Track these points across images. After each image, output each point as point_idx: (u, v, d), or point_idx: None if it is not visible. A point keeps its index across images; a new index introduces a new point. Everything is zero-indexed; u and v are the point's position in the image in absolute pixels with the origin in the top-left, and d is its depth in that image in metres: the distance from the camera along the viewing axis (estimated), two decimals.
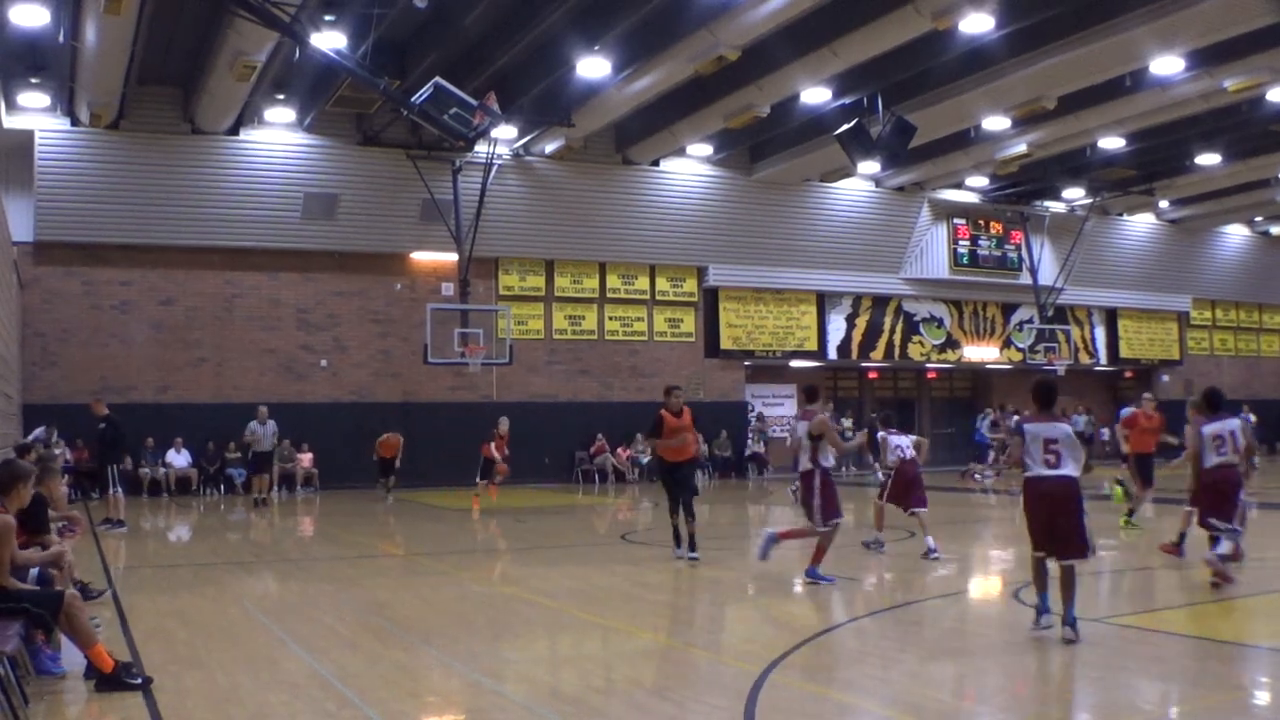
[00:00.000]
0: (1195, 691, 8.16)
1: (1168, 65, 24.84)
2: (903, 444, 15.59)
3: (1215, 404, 12.54)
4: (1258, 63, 24.73)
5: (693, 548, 14.32)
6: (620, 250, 34.11)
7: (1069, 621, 8.79)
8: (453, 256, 30.93)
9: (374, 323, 31.73)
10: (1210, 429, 12.19)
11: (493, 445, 24.36)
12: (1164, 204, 40.98)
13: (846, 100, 27.01)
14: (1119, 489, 19.31)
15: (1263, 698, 8.13)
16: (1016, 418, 13.30)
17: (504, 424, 24.21)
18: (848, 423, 38.21)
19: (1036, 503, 9.28)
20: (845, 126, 25.88)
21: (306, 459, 30.07)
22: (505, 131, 28.59)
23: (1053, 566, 9.41)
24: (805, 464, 12.79)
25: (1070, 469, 9.15)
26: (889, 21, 22.20)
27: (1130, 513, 18.11)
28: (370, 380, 31.50)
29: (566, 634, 10.86)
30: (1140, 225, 43.31)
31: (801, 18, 22.38)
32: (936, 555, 14.54)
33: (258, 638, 10.50)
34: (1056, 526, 9.14)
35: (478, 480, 24.49)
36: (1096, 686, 8.28)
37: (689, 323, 35.65)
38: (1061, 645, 9.39)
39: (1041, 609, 9.36)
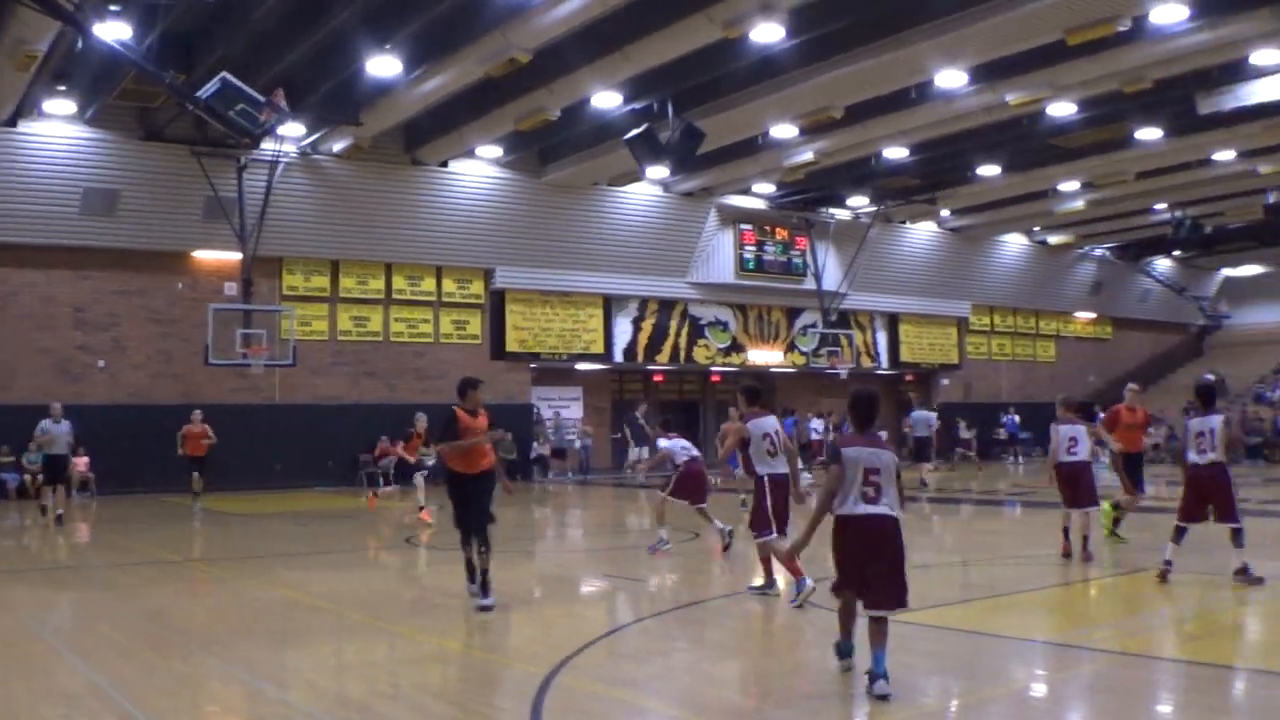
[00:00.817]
0: (973, 685, 9.10)
1: (952, 79, 27.85)
2: (685, 446, 18.28)
3: (1208, 400, 13.90)
4: (1038, 79, 27.98)
5: (485, 590, 12.65)
6: (407, 251, 36.77)
7: (880, 674, 8.34)
8: (236, 255, 32.66)
9: (154, 323, 33.54)
10: (1194, 424, 13.58)
11: (400, 446, 25.54)
12: (945, 213, 45.84)
13: (637, 105, 29.17)
14: (1105, 502, 17.55)
15: (1039, 690, 9.20)
16: (833, 437, 14.44)
17: (421, 421, 24.12)
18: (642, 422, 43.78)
19: (853, 544, 8.63)
20: (635, 131, 28.13)
21: (82, 463, 31.17)
22: (293, 129, 30.62)
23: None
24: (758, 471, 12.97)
25: (891, 504, 8.61)
26: (681, 28, 24.07)
27: (1116, 522, 17.91)
28: (149, 382, 33.24)
29: (351, 639, 11.47)
30: (922, 233, 48.44)
31: (594, 22, 24.19)
32: (728, 540, 17.08)
33: (32, 647, 10.93)
34: (873, 573, 8.56)
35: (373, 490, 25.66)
36: None
37: (475, 325, 38.72)
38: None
39: (845, 650, 9.11)
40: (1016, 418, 48.88)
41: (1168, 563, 13.62)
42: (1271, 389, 53.79)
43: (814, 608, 12.00)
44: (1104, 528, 17.79)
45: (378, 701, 8.72)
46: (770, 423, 13.21)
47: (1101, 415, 18.76)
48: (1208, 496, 13.50)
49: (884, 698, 8.28)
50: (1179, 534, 13.73)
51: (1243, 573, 13.29)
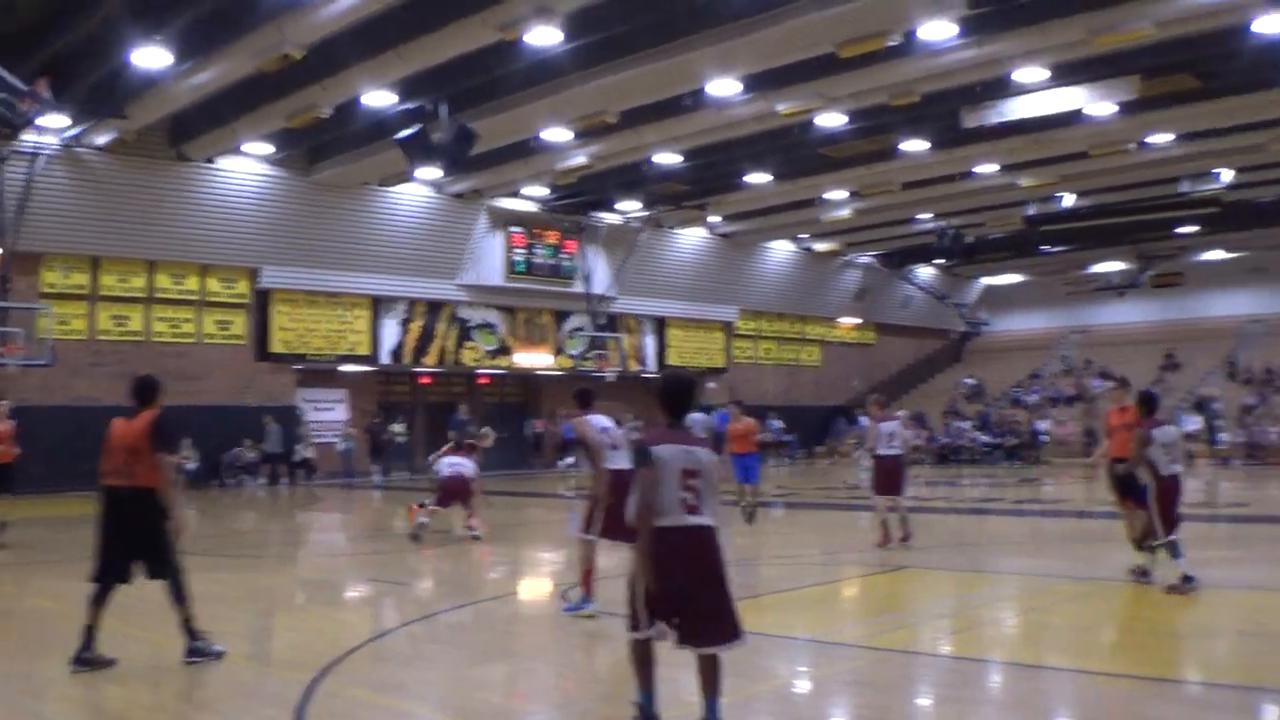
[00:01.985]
0: (738, 682, 8.72)
1: (725, 87, 28.46)
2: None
3: (1152, 407, 13.82)
4: (809, 89, 28.64)
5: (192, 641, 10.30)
6: (171, 249, 36.10)
7: None
8: None
9: None
10: (1160, 434, 13.37)
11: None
12: (715, 219, 46.74)
13: (410, 105, 29.02)
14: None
15: (803, 686, 9.59)
16: (636, 434, 13.08)
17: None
18: (399, 428, 42.77)
19: (669, 564, 7.29)
20: (407, 131, 28.24)
21: None
22: (56, 120, 29.78)
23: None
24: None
25: (713, 513, 7.52)
26: (457, 29, 24.09)
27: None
28: None
29: (109, 648, 10.45)
30: (692, 238, 49.42)
31: (370, 20, 23.98)
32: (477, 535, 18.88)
33: None
34: (698, 598, 7.35)
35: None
36: None
37: (239, 325, 38.26)
38: (612, 641, 10.30)
39: (648, 709, 7.57)
40: (779, 422, 50.22)
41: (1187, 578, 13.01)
42: (1027, 393, 56.32)
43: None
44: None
45: (137, 712, 8.75)
46: (604, 420, 12.85)
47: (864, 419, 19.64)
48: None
49: None
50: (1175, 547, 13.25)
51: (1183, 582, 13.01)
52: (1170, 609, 12.48)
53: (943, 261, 59.62)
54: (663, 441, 7.59)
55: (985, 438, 49.53)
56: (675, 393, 7.91)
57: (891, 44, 25.14)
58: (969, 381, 60.17)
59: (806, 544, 19.32)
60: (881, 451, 18.22)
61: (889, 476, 18.18)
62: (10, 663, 10.27)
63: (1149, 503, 13.31)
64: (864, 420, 31.94)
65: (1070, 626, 12.01)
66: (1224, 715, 8.57)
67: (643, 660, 7.56)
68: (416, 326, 42.98)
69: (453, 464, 20.24)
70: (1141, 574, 13.57)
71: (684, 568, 7.36)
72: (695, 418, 33.62)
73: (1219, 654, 10.84)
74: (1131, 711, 8.65)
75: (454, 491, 20.21)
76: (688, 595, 7.36)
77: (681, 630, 7.34)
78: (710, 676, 7.44)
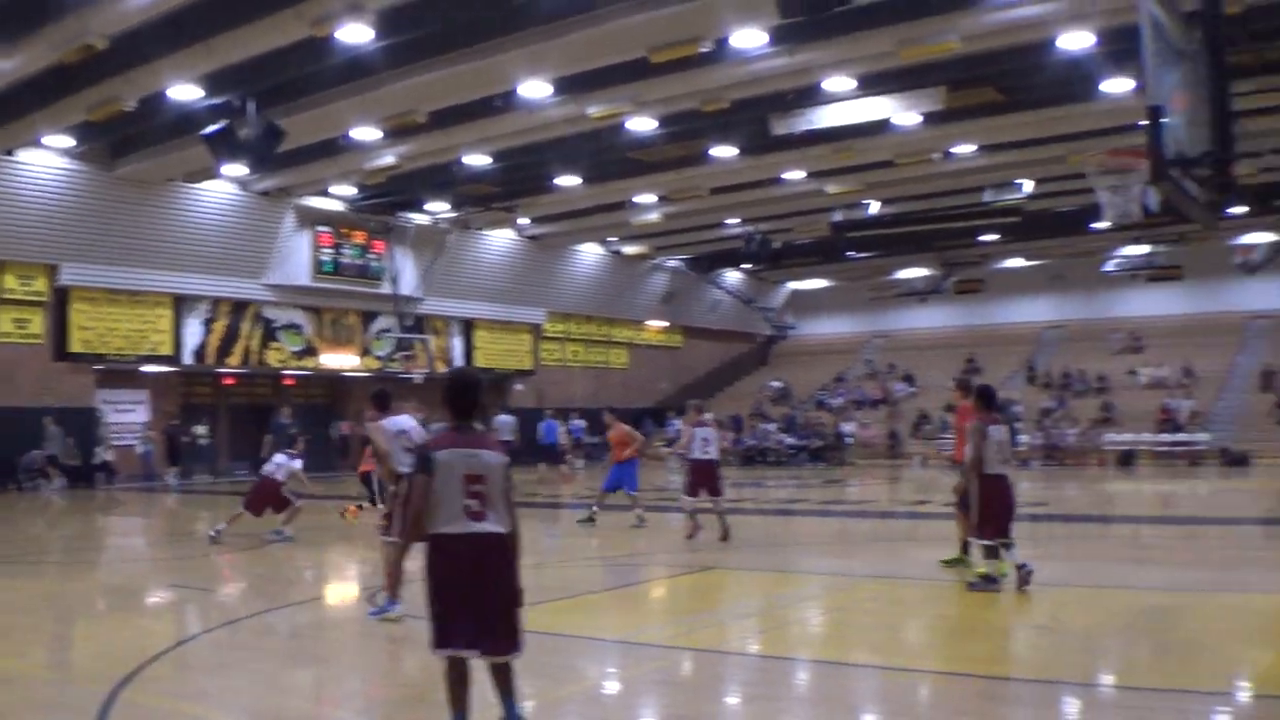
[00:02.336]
0: (547, 685, 9.12)
1: (536, 89, 28.51)
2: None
3: (990, 402, 13.76)
4: (621, 93, 28.81)
5: None
6: None
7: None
8: None
9: None
10: (994, 431, 13.32)
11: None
12: (524, 221, 46.77)
13: (218, 100, 28.35)
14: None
15: (612, 687, 9.67)
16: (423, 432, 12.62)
17: None
18: (201, 430, 42.28)
19: (454, 574, 7.20)
20: (214, 127, 27.81)
21: None
22: None
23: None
24: None
25: (500, 519, 7.31)
26: (267, 24, 23.66)
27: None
28: None
29: None
30: (501, 240, 49.42)
31: (177, 11, 23.51)
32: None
33: None
34: (482, 607, 7.23)
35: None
36: None
37: (37, 324, 37.32)
38: (415, 645, 10.00)
39: None
40: (582, 423, 50.31)
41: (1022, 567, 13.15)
42: (832, 396, 57.37)
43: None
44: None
45: None
46: (405, 421, 12.96)
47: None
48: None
49: None
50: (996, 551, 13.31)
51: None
52: (972, 606, 12.87)
53: (750, 266, 60.29)
54: (446, 445, 7.36)
55: (791, 440, 50.29)
56: (461, 392, 7.56)
57: (703, 50, 25.40)
58: (775, 384, 61.07)
59: (615, 545, 19.40)
60: (696, 455, 18.97)
61: (704, 479, 18.97)
62: None
63: (970, 502, 13.49)
64: (676, 424, 32.26)
65: (874, 624, 12.34)
66: (1022, 709, 8.94)
67: (453, 681, 7.35)
68: (220, 326, 42.29)
69: (279, 464, 20.50)
70: (989, 580, 13.37)
71: (469, 575, 7.20)
72: (503, 419, 33.83)
73: (1018, 649, 11.24)
74: (934, 705, 8.93)
75: (265, 495, 20.36)
76: (474, 603, 7.20)
77: (470, 638, 7.20)
78: (505, 682, 7.43)
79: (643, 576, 16.31)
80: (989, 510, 13.22)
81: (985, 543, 13.25)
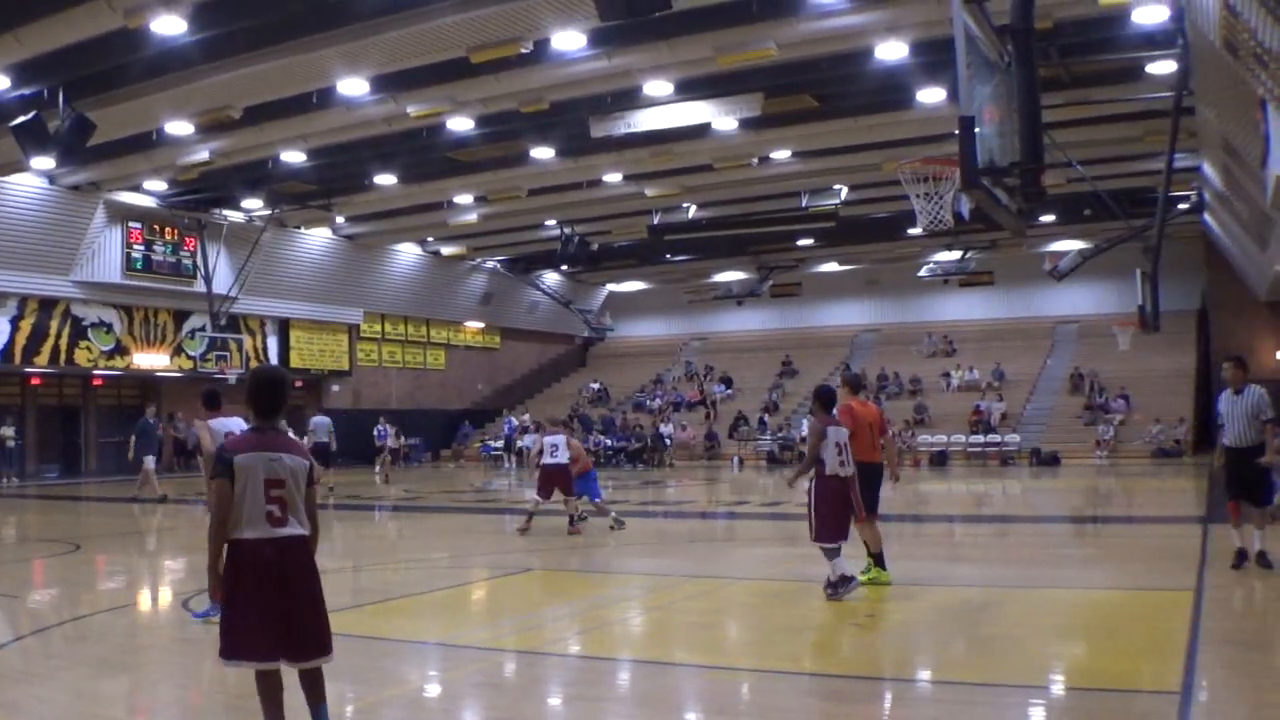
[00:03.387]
0: (365, 689, 9.19)
1: (354, 87, 28.36)
2: None
3: (828, 404, 13.62)
4: (440, 93, 28.92)
5: None
6: None
7: None
8: None
9: None
10: (834, 432, 13.23)
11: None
12: (341, 220, 46.50)
13: (26, 91, 27.76)
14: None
15: (433, 690, 9.61)
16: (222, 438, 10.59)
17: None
18: (8, 431, 41.99)
19: (256, 580, 6.92)
20: (22, 118, 27.06)
21: None
22: None
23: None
24: None
25: (300, 521, 7.07)
26: (79, 13, 23.28)
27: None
28: None
29: None
30: (317, 239, 49.17)
31: None
32: None
33: None
34: (288, 613, 6.97)
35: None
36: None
37: None
38: None
39: None
40: (389, 427, 49.85)
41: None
42: (651, 398, 57.73)
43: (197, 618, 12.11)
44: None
45: None
46: (234, 422, 12.69)
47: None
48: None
49: None
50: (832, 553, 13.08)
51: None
52: (791, 605, 13.06)
53: (568, 268, 60.53)
54: (247, 448, 7.05)
55: (609, 441, 50.51)
56: (263, 390, 7.28)
57: (523, 51, 25.50)
58: (593, 386, 61.33)
59: (434, 547, 19.51)
60: (547, 461, 20.47)
61: (551, 481, 20.63)
62: None
63: (809, 503, 13.33)
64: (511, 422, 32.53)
65: (695, 624, 12.42)
66: (843, 705, 9.03)
67: (266, 691, 7.18)
68: (27, 324, 41.50)
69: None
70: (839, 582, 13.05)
71: (273, 582, 6.92)
72: (319, 420, 33.50)
73: (838, 646, 11.36)
74: (755, 703, 8.98)
75: None
76: (278, 610, 6.94)
77: (271, 646, 6.96)
78: (315, 688, 7.21)
79: (462, 579, 16.25)
80: (828, 511, 13.10)
81: (827, 545, 13.04)
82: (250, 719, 7.60)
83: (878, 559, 14.10)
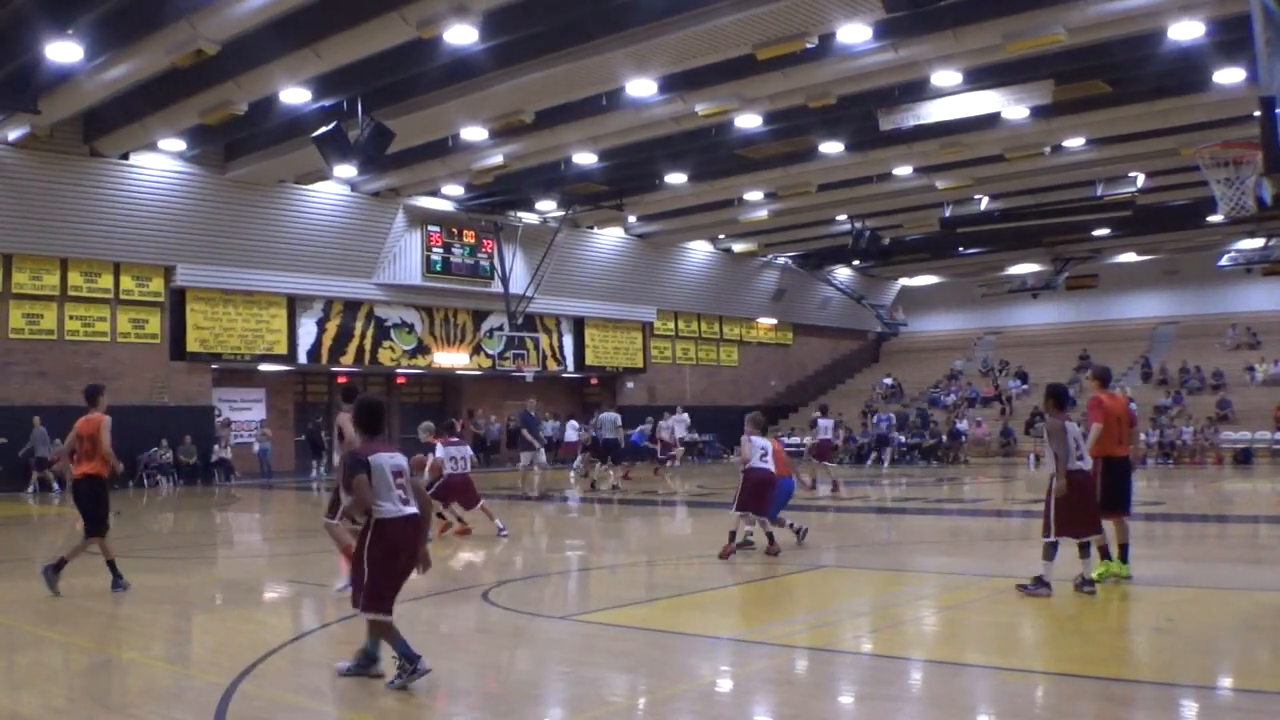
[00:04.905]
0: (659, 682, 9.30)
1: (642, 88, 28.63)
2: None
3: (1061, 401, 13.41)
4: (728, 91, 28.87)
5: None
6: (84, 246, 35.73)
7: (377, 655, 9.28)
8: None
9: None
10: (1070, 428, 13.12)
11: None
12: (632, 219, 47.00)
13: (327, 102, 28.96)
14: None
15: (724, 685, 9.44)
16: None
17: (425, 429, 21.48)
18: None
19: (395, 548, 8.98)
20: (324, 129, 28.16)
21: None
22: None
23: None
24: None
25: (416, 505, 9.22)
26: (374, 26, 24.04)
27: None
28: None
29: (22, 652, 11.04)
30: (609, 238, 49.68)
31: (286, 15, 24.01)
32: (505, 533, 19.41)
33: None
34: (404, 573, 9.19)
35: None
36: (566, 681, 9.38)
37: (154, 324, 37.89)
38: (531, 642, 10.87)
39: (409, 655, 8.98)
40: (647, 429, 49.68)
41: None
42: (945, 394, 56.75)
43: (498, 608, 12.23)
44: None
45: (52, 716, 8.51)
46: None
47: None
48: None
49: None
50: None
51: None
52: (1086, 607, 12.50)
53: (859, 263, 59.96)
54: (374, 451, 9.11)
55: (903, 438, 49.79)
56: (368, 414, 9.61)
57: (809, 46, 25.32)
58: (886, 382, 60.60)
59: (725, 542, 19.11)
60: (754, 465, 17.59)
61: (756, 489, 17.45)
62: None
63: (1047, 499, 13.03)
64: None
65: (989, 624, 12.04)
66: (1140, 711, 8.61)
67: (390, 628, 9.08)
68: (333, 325, 42.90)
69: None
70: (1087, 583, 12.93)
71: (405, 549, 9.07)
72: (605, 416, 33.57)
73: (1135, 650, 10.88)
74: (1050, 707, 8.66)
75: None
76: (403, 570, 9.18)
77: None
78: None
79: (755, 574, 15.96)
80: (1065, 506, 12.84)
81: (1049, 540, 12.88)
82: (545, 709, 8.24)
83: (1122, 551, 13.69)
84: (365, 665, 9.27)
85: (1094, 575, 13.12)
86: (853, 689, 9.41)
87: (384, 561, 8.94)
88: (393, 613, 9.04)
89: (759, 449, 17.53)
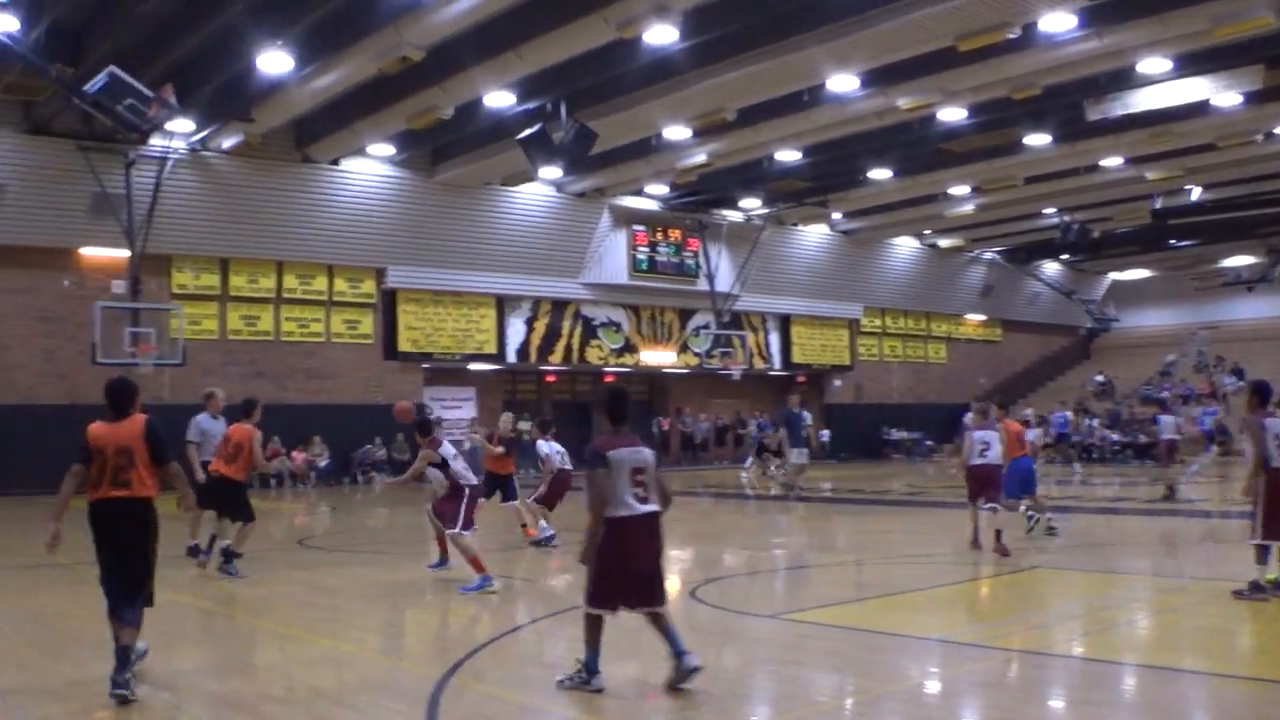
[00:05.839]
0: (867, 683, 9.13)
1: (844, 83, 28.32)
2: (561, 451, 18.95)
3: (1265, 397, 12.82)
4: (930, 84, 28.40)
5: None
6: (298, 250, 36.57)
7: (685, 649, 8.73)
8: (124, 253, 32.60)
9: (39, 320, 33.06)
10: (1271, 424, 12.29)
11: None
12: (837, 215, 46.19)
13: (530, 105, 29.08)
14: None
15: (933, 687, 9.32)
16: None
17: (506, 421, 21.25)
18: (526, 425, 43.92)
19: (627, 546, 8.65)
20: (528, 131, 28.22)
21: None
22: (182, 125, 30.46)
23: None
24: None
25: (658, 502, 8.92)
26: (575, 28, 24.30)
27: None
28: (34, 381, 32.72)
29: (242, 642, 11.56)
30: (814, 235, 49.12)
31: (488, 20, 24.39)
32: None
33: None
34: (647, 571, 8.78)
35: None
36: (774, 680, 9.27)
37: (367, 324, 38.65)
38: (739, 640, 10.86)
39: (591, 668, 8.77)
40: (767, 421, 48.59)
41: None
42: (1158, 390, 54.88)
43: (706, 606, 11.95)
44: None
45: (268, 705, 8.64)
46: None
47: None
48: None
49: (698, 668, 8.56)
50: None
51: None
52: None
53: (1068, 257, 58.38)
54: (616, 446, 8.73)
55: (1116, 436, 48.27)
56: (615, 404, 9.17)
57: (1011, 37, 24.69)
58: (1098, 379, 58.87)
59: (936, 543, 18.74)
60: (974, 461, 17.32)
61: (981, 484, 17.19)
62: (149, 654, 9.75)
63: (1256, 498, 12.36)
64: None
65: (1205, 629, 11.47)
66: None
67: (598, 628, 8.82)
68: (541, 325, 43.17)
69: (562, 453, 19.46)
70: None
71: (638, 547, 8.71)
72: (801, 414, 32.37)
73: None
74: (1267, 717, 8.20)
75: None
76: (640, 568, 8.74)
77: (636, 597, 8.77)
78: (666, 627, 8.81)
79: (964, 575, 15.59)
80: (1273, 507, 12.15)
81: (1258, 543, 12.24)
82: (754, 705, 8.41)
83: None
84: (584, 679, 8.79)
85: (1268, 578, 12.28)
86: (1064, 693, 9.04)
87: (614, 560, 8.65)
88: (611, 614, 8.83)
89: (979, 444, 17.22)
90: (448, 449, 14.56)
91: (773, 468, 29.64)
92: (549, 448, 18.65)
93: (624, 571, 8.67)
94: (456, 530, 14.06)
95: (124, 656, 8.62)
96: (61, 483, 8.89)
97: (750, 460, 39.41)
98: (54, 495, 8.82)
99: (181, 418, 26.90)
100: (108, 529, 8.90)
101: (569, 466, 18.53)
